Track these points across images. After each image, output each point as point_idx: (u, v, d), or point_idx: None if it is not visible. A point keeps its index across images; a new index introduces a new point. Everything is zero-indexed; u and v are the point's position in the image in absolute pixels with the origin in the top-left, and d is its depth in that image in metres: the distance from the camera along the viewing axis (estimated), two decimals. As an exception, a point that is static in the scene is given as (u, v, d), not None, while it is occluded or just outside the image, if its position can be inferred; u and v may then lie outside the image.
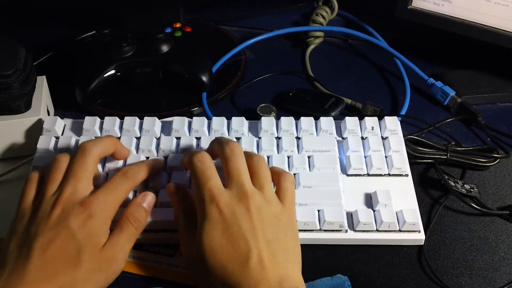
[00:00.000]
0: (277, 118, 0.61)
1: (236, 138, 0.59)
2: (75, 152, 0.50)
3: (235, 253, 0.44)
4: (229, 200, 0.46)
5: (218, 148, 0.50)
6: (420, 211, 0.54)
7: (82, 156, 0.49)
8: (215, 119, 0.60)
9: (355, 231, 0.53)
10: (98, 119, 0.60)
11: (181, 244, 0.49)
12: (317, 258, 0.53)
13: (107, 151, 0.52)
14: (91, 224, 0.45)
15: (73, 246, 0.44)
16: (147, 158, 0.57)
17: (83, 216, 0.45)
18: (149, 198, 0.51)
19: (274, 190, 0.50)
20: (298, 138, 0.59)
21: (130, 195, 0.53)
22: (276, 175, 0.50)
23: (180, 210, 0.49)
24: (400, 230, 0.53)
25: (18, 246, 0.45)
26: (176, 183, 0.51)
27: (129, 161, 0.56)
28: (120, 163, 0.55)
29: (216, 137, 0.53)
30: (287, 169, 0.56)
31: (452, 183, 0.58)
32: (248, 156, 0.50)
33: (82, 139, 0.58)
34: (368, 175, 0.57)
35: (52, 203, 0.46)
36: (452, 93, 0.69)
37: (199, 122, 0.60)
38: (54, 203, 0.46)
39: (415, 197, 0.56)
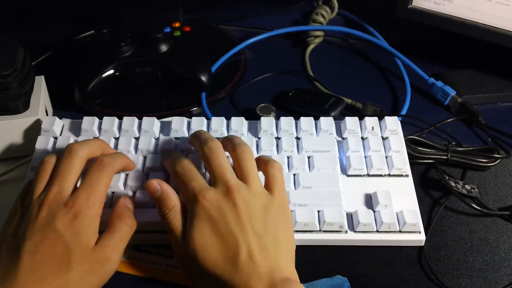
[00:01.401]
0: (277, 118, 0.61)
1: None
2: (61, 153, 0.49)
3: (225, 249, 0.44)
4: (215, 197, 0.46)
5: (198, 148, 0.50)
6: (420, 211, 0.54)
7: (69, 157, 0.48)
8: (214, 119, 0.60)
9: (355, 231, 0.53)
10: (96, 119, 0.60)
11: (172, 244, 0.48)
12: (317, 259, 0.52)
13: (94, 153, 0.51)
14: (78, 224, 0.45)
15: (62, 248, 0.44)
16: (145, 157, 0.57)
17: (69, 217, 0.45)
18: (129, 201, 0.51)
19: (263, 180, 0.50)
20: (298, 138, 0.59)
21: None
22: (263, 164, 0.50)
23: (166, 208, 0.48)
24: (400, 231, 0.52)
25: (8, 251, 0.44)
26: (159, 180, 0.50)
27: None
28: None
29: (194, 133, 0.53)
30: (287, 170, 0.56)
31: (453, 184, 0.57)
32: (231, 147, 0.50)
33: (80, 139, 0.58)
34: (368, 175, 0.57)
35: (38, 204, 0.46)
36: (452, 93, 0.69)
37: (198, 122, 0.60)
38: (41, 204, 0.45)
39: (416, 198, 0.55)
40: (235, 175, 0.48)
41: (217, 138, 0.51)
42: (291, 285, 0.43)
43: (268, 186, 0.49)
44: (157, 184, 0.49)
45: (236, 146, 0.50)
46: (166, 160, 0.53)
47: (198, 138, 0.51)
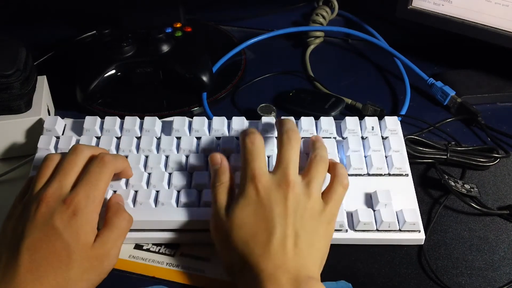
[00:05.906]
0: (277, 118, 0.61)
1: (236, 138, 0.59)
2: (66, 152, 0.50)
3: (260, 232, 0.45)
4: (269, 183, 0.47)
5: (279, 132, 0.51)
6: (420, 211, 0.54)
7: (73, 154, 0.49)
8: (215, 119, 0.60)
9: (355, 230, 0.53)
10: (98, 119, 0.60)
11: (212, 215, 0.49)
12: (317, 258, 0.53)
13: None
14: (77, 222, 0.45)
15: (61, 246, 0.44)
16: (147, 157, 0.57)
17: (68, 214, 0.45)
18: (121, 199, 0.52)
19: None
20: (298, 138, 0.59)
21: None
22: (333, 175, 0.51)
23: (218, 181, 0.50)
24: (400, 230, 0.53)
25: (8, 247, 0.44)
26: (221, 156, 0.52)
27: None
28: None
29: (282, 119, 0.53)
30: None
31: (452, 183, 0.58)
32: (313, 152, 0.51)
33: (82, 139, 0.58)
34: (368, 175, 0.57)
35: (38, 200, 0.46)
36: (452, 93, 0.69)
37: (200, 122, 0.60)
38: (40, 200, 0.45)
39: (415, 197, 0.56)
40: (297, 172, 0.49)
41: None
42: (315, 285, 0.43)
43: (325, 195, 0.49)
44: (219, 158, 0.52)
45: (317, 154, 0.51)
46: (243, 131, 0.52)
47: (283, 125, 0.52)
